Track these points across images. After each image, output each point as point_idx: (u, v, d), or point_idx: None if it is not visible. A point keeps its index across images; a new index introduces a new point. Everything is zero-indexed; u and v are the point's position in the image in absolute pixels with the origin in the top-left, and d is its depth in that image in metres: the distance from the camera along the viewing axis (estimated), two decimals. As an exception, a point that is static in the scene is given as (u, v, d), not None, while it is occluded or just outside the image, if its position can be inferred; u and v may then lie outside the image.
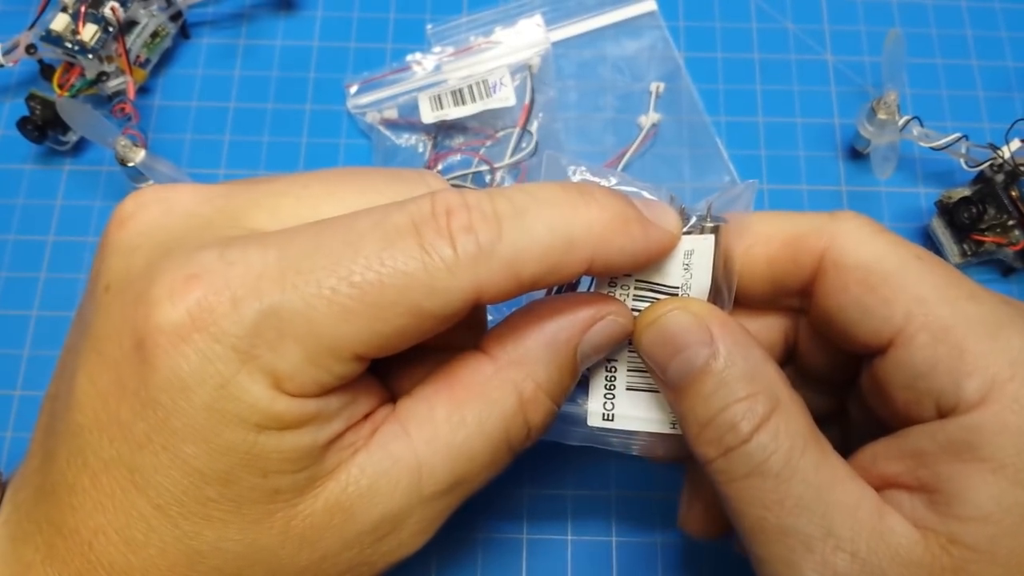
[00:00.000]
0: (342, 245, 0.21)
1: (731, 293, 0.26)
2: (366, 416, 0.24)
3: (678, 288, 0.26)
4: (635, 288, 0.26)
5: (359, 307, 0.21)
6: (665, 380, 0.25)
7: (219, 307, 0.21)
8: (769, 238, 0.27)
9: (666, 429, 0.27)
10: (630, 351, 0.27)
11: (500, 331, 0.25)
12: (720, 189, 0.27)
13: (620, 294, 0.26)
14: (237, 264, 0.21)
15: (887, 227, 0.26)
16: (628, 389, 0.27)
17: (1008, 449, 0.22)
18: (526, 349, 0.24)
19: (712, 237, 0.26)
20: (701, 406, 0.24)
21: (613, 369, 0.27)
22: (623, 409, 0.27)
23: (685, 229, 0.26)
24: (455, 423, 0.23)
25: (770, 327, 0.29)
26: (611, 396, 0.27)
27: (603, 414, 0.27)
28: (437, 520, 0.24)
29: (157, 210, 0.24)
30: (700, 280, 0.26)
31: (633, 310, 0.26)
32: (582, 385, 0.27)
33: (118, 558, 0.22)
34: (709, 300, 0.26)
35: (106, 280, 0.23)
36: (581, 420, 0.28)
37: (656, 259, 0.25)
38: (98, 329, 0.22)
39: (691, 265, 0.26)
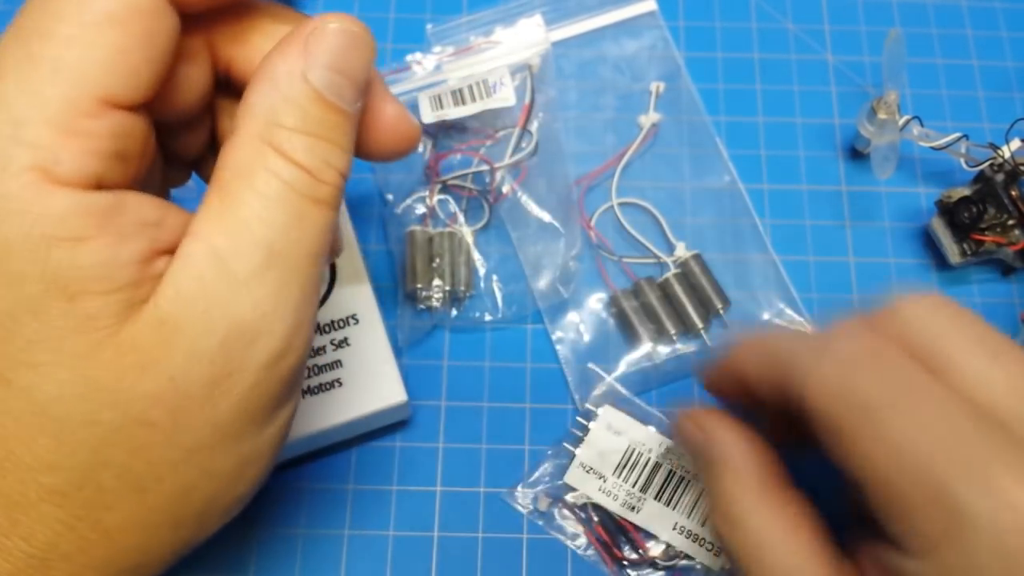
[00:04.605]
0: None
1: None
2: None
3: None
4: None
5: (77, 32, 0.21)
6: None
7: None
8: (747, 373, 0.29)
9: None
10: None
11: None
12: None
13: None
14: None
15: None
16: None
17: None
18: (254, 102, 0.23)
19: None
20: None
21: None
22: None
23: None
24: (225, 199, 0.22)
25: None
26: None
27: None
28: (290, 300, 0.22)
29: None
30: None
31: None
32: None
33: None
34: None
35: None
36: None
37: None
38: None
39: None
